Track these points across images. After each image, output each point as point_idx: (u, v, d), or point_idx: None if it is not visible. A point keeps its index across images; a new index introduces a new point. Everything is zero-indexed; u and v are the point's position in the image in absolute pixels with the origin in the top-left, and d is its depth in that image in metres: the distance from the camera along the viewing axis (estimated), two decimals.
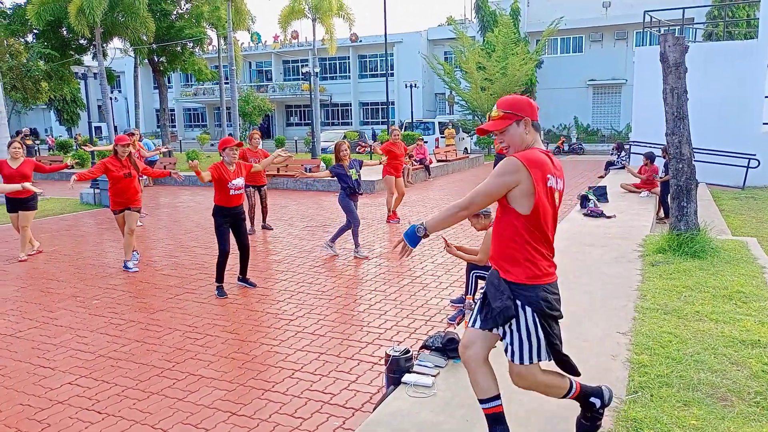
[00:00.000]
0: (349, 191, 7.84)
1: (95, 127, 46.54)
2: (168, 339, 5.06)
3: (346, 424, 3.59)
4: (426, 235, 2.77)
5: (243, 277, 6.62)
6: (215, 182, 6.17)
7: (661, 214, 10.09)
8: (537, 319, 2.57)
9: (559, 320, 2.67)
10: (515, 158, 2.57)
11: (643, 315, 4.62)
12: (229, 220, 6.30)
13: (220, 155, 6.30)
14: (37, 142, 33.11)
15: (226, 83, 29.41)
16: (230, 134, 15.19)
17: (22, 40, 26.85)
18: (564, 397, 2.80)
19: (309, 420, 3.64)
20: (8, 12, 26.74)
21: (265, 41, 49.18)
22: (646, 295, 5.13)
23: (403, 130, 31.26)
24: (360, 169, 8.06)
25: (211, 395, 4.00)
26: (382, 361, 4.43)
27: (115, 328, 5.36)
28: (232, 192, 6.22)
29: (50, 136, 43.28)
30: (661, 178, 10.31)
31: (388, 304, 5.86)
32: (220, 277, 6.35)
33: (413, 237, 2.75)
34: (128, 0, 22.37)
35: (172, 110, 46.83)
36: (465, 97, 26.94)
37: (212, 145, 36.53)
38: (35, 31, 26.43)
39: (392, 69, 41.04)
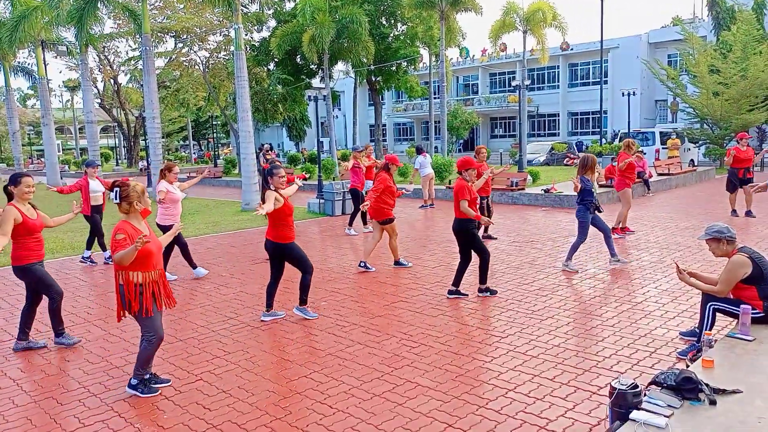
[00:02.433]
0: (593, 207, 7.67)
1: (319, 141, 51.87)
2: (386, 344, 5.40)
3: None
4: None
5: (484, 287, 6.82)
6: (470, 201, 6.55)
7: None
8: None
9: None
10: None
11: None
12: (476, 231, 6.77)
13: (460, 174, 6.63)
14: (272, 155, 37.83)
15: (435, 98, 30.49)
16: (419, 147, 15.74)
17: (265, 68, 31.03)
18: None
19: None
20: (256, 45, 31.10)
21: (473, 55, 49.91)
22: None
23: (618, 140, 29.18)
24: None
25: (428, 404, 4.17)
26: (603, 392, 4.19)
27: (341, 329, 5.89)
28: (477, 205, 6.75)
29: (272, 150, 49.16)
30: None
31: (605, 330, 5.52)
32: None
33: None
34: (352, 27, 24.45)
35: (384, 125, 49.92)
36: (693, 104, 24.19)
37: None
38: (275, 60, 30.36)
39: (606, 76, 38.62)
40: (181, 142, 68.40)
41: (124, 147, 54.44)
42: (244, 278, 8.18)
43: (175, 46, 31.53)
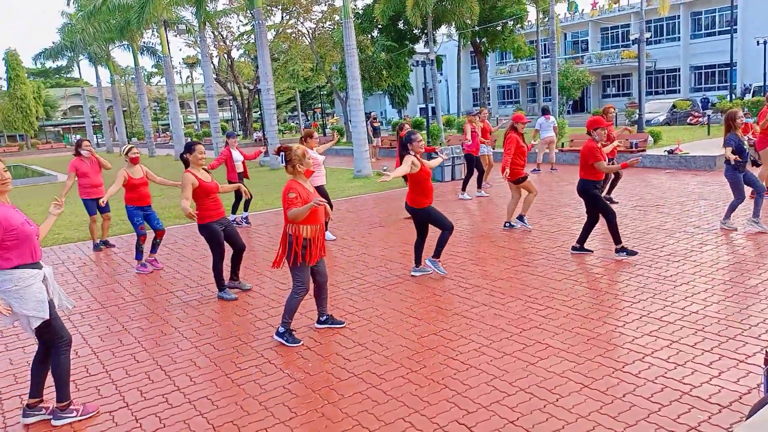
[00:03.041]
0: (743, 165, 7.32)
1: (420, 108, 51.63)
2: (511, 306, 5.45)
3: (713, 419, 3.38)
4: None
5: (620, 246, 6.70)
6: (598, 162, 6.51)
7: None
8: None
9: None
10: None
11: None
12: (598, 193, 6.73)
13: (589, 134, 6.54)
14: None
15: (544, 57, 29.25)
16: (545, 107, 15.17)
17: (369, 35, 31.24)
18: None
19: (668, 407, 3.54)
20: (360, 12, 31.32)
21: (582, 10, 47.16)
22: None
23: (751, 95, 26.57)
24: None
25: (561, 365, 4.20)
26: (751, 360, 4.01)
27: (464, 290, 6.00)
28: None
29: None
30: None
31: (750, 298, 5.21)
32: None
33: None
34: None
35: (487, 88, 48.83)
36: None
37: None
38: (378, 27, 30.45)
39: (736, 24, 35.03)
40: (289, 113, 70.94)
41: (238, 119, 57.41)
42: (364, 241, 8.50)
43: (282, 19, 32.51)
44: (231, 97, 48.10)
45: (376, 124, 22.67)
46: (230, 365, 4.60)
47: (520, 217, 8.56)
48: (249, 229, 10.09)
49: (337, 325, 5.20)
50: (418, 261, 6.64)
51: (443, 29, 31.87)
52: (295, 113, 63.88)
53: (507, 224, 8.64)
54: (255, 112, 46.57)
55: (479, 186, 11.76)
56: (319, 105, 54.77)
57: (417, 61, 20.10)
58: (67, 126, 77.10)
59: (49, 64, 49.55)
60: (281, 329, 4.95)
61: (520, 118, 8.45)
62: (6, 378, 4.68)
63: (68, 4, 35.68)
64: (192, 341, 5.17)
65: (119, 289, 7.00)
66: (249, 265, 7.52)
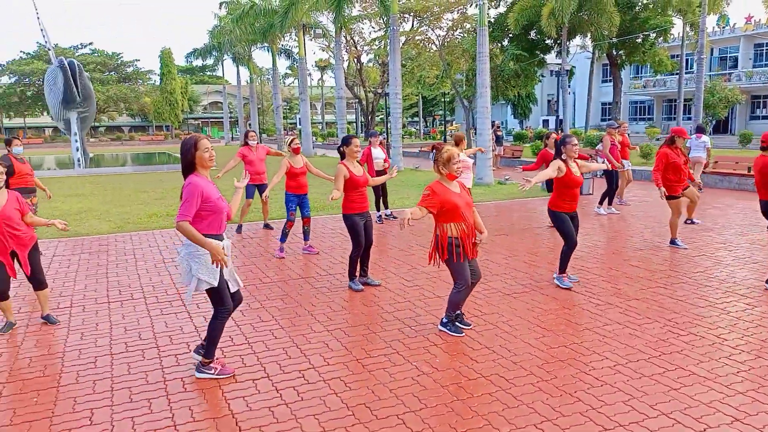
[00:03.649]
0: None
1: (543, 119, 50.20)
2: (648, 328, 5.16)
3: None
4: None
5: None
6: None
7: None
8: None
9: None
10: None
11: None
12: None
13: (764, 150, 6.36)
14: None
15: (686, 73, 27.32)
16: (700, 126, 14.19)
17: (499, 44, 30.93)
18: None
19: None
20: (491, 21, 31.10)
21: (734, 24, 43.49)
22: None
23: None
24: None
25: (707, 394, 3.92)
26: None
27: (595, 306, 5.78)
28: None
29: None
30: None
31: None
32: None
33: None
34: None
35: (619, 103, 46.44)
36: None
37: (657, 139, 34.68)
38: (509, 36, 30.05)
39: None
40: (409, 119, 71.98)
41: (361, 122, 59.19)
42: (488, 248, 8.44)
43: (412, 26, 33.06)
44: (357, 101, 49.68)
45: (499, 133, 22.41)
46: (361, 351, 4.78)
47: (672, 241, 8.25)
48: (380, 226, 10.38)
49: (465, 326, 5.23)
50: (562, 269, 6.48)
51: (577, 40, 30.79)
52: (415, 119, 64.64)
53: (672, 242, 8.26)
54: (378, 115, 47.74)
55: (610, 202, 11.23)
56: (440, 112, 55.02)
57: (551, 72, 19.56)
58: (206, 120, 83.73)
59: (196, 62, 54.16)
60: (444, 320, 5.17)
61: (682, 133, 8.00)
62: (162, 338, 5.20)
63: (220, 8, 38.78)
64: (324, 325, 5.43)
65: (256, 270, 7.51)
66: (375, 260, 7.75)
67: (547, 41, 29.57)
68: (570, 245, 6.32)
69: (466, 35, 28.92)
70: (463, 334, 5.06)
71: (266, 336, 5.17)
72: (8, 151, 8.02)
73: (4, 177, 5.11)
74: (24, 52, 70.14)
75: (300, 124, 61.54)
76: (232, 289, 4.21)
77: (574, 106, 51.35)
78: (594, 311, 5.64)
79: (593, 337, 4.99)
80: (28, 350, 4.96)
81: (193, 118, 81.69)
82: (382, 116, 50.94)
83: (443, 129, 45.65)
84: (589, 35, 27.27)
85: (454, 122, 59.07)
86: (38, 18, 27.95)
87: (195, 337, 5.15)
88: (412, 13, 30.94)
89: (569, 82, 51.21)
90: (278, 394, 4.06)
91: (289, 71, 60.45)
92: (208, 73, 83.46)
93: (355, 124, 67.98)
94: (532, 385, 4.12)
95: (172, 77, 68.34)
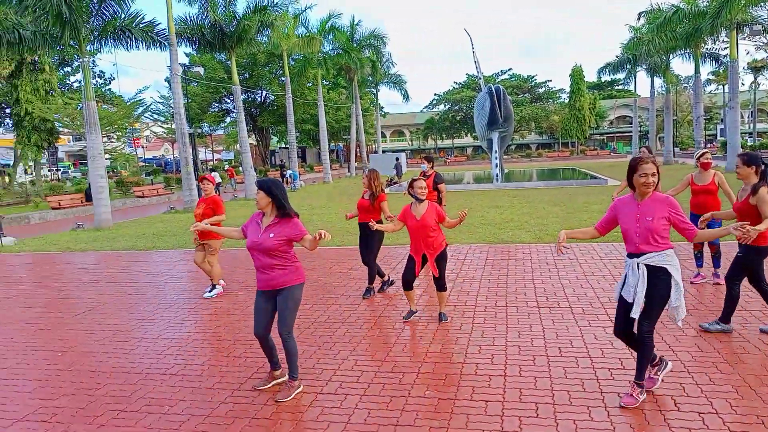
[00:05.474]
0: None
1: None
2: None
3: None
4: None
5: None
6: None
7: None
8: None
9: None
10: None
11: None
12: None
13: None
14: None
15: None
16: None
17: None
18: None
19: None
20: None
21: None
22: None
23: None
24: None
25: None
26: None
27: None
28: None
29: None
30: None
31: None
32: None
33: None
34: None
35: None
36: None
37: None
38: None
39: None
40: None
41: None
42: None
43: None
44: None
45: None
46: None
47: None
48: None
49: None
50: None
51: None
52: None
53: None
54: None
55: None
56: None
57: None
58: (612, 135, 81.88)
59: (605, 77, 53.47)
60: None
61: None
62: (594, 349, 5.28)
63: (638, 19, 37.44)
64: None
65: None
66: None
67: None
68: None
69: None
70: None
71: (709, 368, 4.71)
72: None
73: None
74: (456, 83, 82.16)
75: (721, 135, 54.14)
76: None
77: None
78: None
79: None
80: (476, 339, 5.73)
81: (598, 134, 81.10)
82: None
83: None
84: None
85: None
86: (474, 52, 32.26)
87: (626, 354, 5.05)
88: None
89: None
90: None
91: (711, 77, 53.98)
92: (617, 87, 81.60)
93: None
94: None
95: (581, 94, 69.46)
